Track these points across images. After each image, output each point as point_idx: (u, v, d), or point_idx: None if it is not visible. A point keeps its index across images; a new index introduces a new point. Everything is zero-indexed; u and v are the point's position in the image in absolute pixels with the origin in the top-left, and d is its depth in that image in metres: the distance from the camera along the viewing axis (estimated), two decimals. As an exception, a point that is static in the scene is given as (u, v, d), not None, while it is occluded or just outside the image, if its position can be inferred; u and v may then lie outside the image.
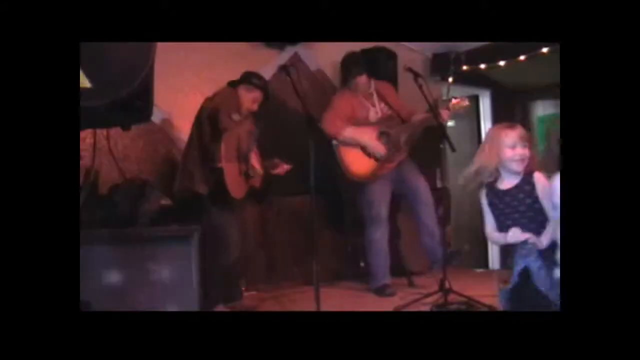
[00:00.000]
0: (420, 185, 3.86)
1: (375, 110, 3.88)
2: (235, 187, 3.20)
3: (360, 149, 3.77)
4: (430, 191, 3.91)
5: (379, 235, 3.79)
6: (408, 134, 3.82)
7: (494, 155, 2.30)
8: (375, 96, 3.92)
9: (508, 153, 2.27)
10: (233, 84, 3.35)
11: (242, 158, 3.28)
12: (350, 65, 3.86)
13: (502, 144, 2.28)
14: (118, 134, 3.28)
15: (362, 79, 3.82)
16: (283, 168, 3.52)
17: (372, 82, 3.92)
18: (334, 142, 3.77)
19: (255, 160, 3.43)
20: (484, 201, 2.40)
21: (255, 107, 3.37)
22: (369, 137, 3.77)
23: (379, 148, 3.75)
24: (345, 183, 4.03)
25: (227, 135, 3.13)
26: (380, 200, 3.79)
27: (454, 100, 3.67)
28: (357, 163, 3.76)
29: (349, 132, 3.75)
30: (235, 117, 3.17)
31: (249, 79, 3.35)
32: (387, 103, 3.89)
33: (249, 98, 3.33)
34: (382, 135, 3.79)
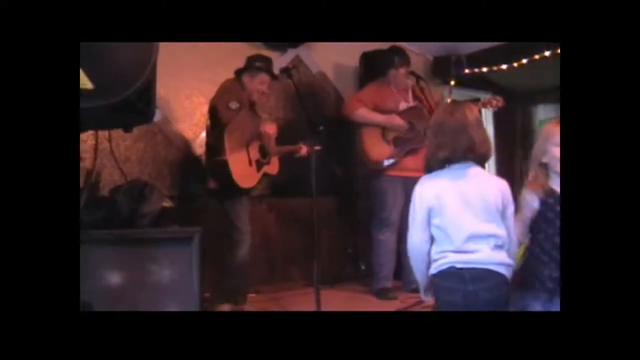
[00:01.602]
0: None
1: (408, 105, 3.89)
2: (244, 177, 3.21)
3: (380, 132, 3.78)
4: None
5: (387, 236, 3.79)
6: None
7: (540, 151, 2.08)
8: (410, 92, 3.93)
9: (556, 151, 2.00)
10: (238, 73, 3.39)
11: (247, 146, 3.28)
12: (392, 56, 3.88)
13: (553, 141, 2.03)
14: (120, 136, 3.31)
15: (402, 71, 3.84)
16: (304, 150, 3.53)
17: (411, 79, 3.92)
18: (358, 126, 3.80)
19: (268, 140, 3.42)
20: (535, 204, 2.07)
21: (264, 88, 3.42)
22: (391, 118, 3.78)
23: (400, 124, 3.76)
24: (360, 184, 4.02)
25: (229, 127, 3.16)
26: (393, 204, 3.78)
27: (487, 99, 3.64)
28: (375, 148, 3.78)
29: (365, 112, 3.77)
30: (233, 105, 3.18)
31: (252, 63, 3.38)
32: (420, 102, 3.88)
33: (256, 82, 3.37)
34: (407, 124, 3.79)
